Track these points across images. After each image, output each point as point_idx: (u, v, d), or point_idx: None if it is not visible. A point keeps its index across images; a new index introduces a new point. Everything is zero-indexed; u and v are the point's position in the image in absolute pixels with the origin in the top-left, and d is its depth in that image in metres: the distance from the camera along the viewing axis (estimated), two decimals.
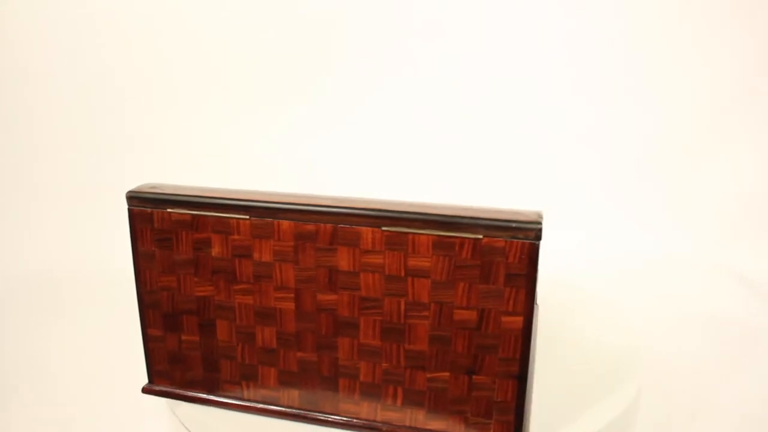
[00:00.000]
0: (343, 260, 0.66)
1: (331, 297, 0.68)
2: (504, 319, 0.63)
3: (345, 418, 0.72)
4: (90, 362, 1.38)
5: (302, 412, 0.73)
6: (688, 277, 1.80)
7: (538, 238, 0.60)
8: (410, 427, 0.70)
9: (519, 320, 0.63)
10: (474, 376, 0.66)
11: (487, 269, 0.62)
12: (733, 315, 1.60)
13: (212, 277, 0.71)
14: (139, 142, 2.04)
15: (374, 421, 0.71)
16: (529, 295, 0.62)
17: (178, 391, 0.77)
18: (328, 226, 0.66)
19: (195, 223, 0.70)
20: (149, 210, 0.71)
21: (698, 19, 1.99)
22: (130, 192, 0.71)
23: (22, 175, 2.00)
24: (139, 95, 2.04)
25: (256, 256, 0.69)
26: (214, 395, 0.76)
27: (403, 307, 0.66)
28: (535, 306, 1.03)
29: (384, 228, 0.64)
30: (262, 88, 2.09)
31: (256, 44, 2.06)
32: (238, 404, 0.75)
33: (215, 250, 0.70)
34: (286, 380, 0.73)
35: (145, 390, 0.78)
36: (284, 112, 2.08)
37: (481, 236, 0.62)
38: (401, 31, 2.09)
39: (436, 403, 0.68)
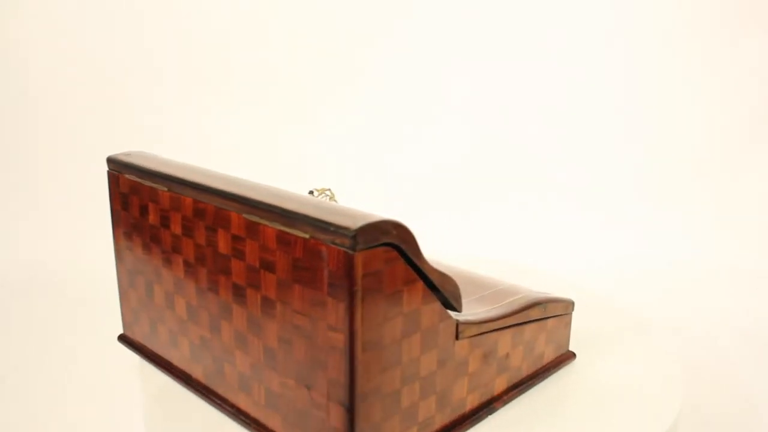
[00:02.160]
0: (221, 242, 0.66)
1: (216, 277, 0.68)
2: (329, 333, 0.56)
3: (229, 407, 0.71)
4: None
5: (203, 390, 0.74)
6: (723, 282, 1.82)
7: (353, 248, 0.52)
8: (270, 431, 0.66)
9: (341, 338, 0.55)
10: (312, 392, 0.60)
11: (314, 273, 0.56)
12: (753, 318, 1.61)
13: (150, 242, 0.76)
14: (146, 139, 2.14)
15: (249, 415, 0.69)
16: (349, 310, 0.54)
17: (136, 343, 0.85)
18: (212, 206, 0.66)
19: (139, 190, 0.76)
20: (116, 174, 0.79)
21: (710, 29, 2.07)
22: (109, 156, 0.80)
23: (26, 173, 2.08)
24: (146, 94, 2.19)
25: (172, 227, 0.72)
26: (154, 354, 0.82)
27: (259, 299, 0.63)
28: (567, 351, 0.86)
29: (244, 215, 0.62)
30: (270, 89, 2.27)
31: (271, 48, 2.26)
32: (166, 368, 0.79)
33: (151, 217, 0.75)
34: (195, 354, 0.74)
35: (119, 338, 0.87)
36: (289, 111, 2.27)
37: (308, 236, 0.56)
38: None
39: (288, 411, 0.63)
